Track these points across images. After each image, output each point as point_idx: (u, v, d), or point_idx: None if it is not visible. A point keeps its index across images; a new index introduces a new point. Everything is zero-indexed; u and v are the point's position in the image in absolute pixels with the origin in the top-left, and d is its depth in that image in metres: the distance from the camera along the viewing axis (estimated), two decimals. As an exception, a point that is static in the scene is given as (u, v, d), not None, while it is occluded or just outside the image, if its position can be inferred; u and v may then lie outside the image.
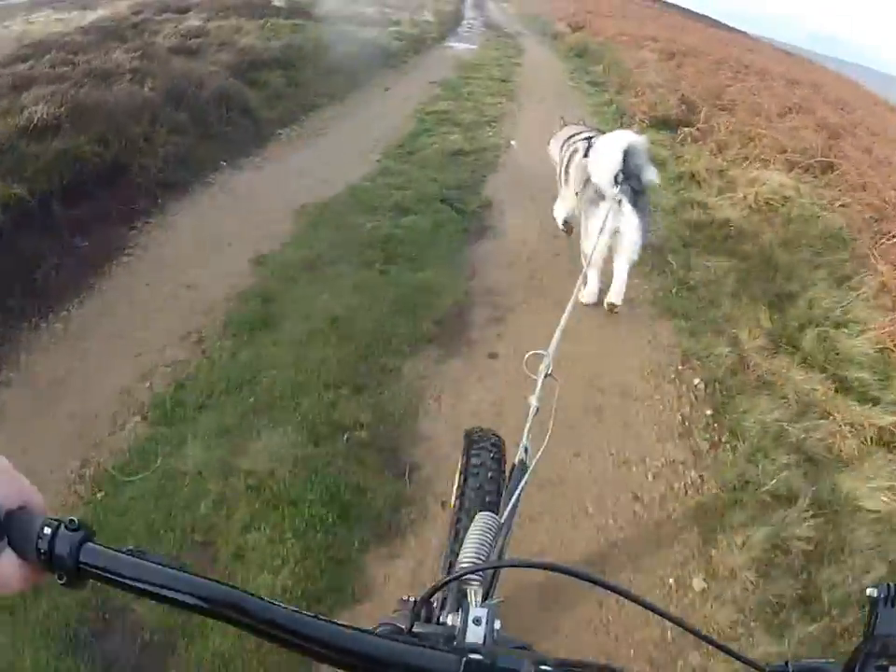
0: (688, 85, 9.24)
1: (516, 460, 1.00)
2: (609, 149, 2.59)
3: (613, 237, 2.71)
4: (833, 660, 0.45)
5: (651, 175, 2.68)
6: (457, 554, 0.74)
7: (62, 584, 0.42)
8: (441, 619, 0.61)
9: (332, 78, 7.46)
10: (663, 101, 7.47)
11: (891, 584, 0.43)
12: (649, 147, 2.77)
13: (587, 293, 3.00)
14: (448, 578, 0.55)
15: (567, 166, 3.18)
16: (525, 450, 1.00)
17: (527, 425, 1.04)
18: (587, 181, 2.78)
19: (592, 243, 2.59)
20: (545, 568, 0.50)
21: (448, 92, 7.56)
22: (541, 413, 1.07)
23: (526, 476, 0.93)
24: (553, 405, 1.04)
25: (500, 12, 28.46)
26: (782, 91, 11.30)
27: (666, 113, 6.75)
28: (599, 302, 3.04)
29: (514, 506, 0.86)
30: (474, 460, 1.15)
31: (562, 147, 3.30)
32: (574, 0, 30.65)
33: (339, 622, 0.42)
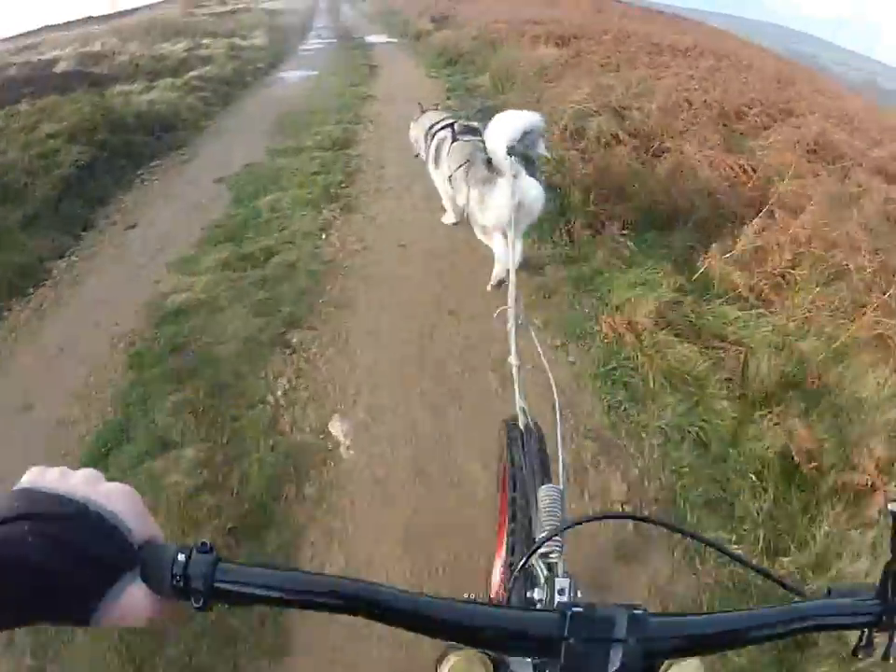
0: (621, 96, 6.11)
1: (521, 426, 0.98)
2: (507, 124, 2.58)
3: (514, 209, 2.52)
4: (868, 582, 0.46)
5: (541, 149, 2.79)
6: (522, 533, 0.81)
7: (196, 608, 0.41)
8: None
9: (29, 229, 3.83)
10: (609, 148, 4.22)
11: None
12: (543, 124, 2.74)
13: (495, 274, 2.94)
14: (541, 541, 0.60)
15: (438, 155, 3.14)
16: (524, 411, 0.99)
17: (516, 386, 1.01)
18: (468, 162, 2.82)
19: (493, 214, 2.66)
20: (624, 518, 0.70)
21: (236, 212, 4.03)
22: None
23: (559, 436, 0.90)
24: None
25: (357, 13, 24.74)
26: (736, 82, 8.38)
27: (640, 195, 3.45)
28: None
29: (564, 468, 0.87)
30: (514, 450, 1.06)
31: (426, 136, 3.27)
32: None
33: (456, 598, 0.45)
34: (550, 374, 1.00)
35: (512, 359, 1.08)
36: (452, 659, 0.45)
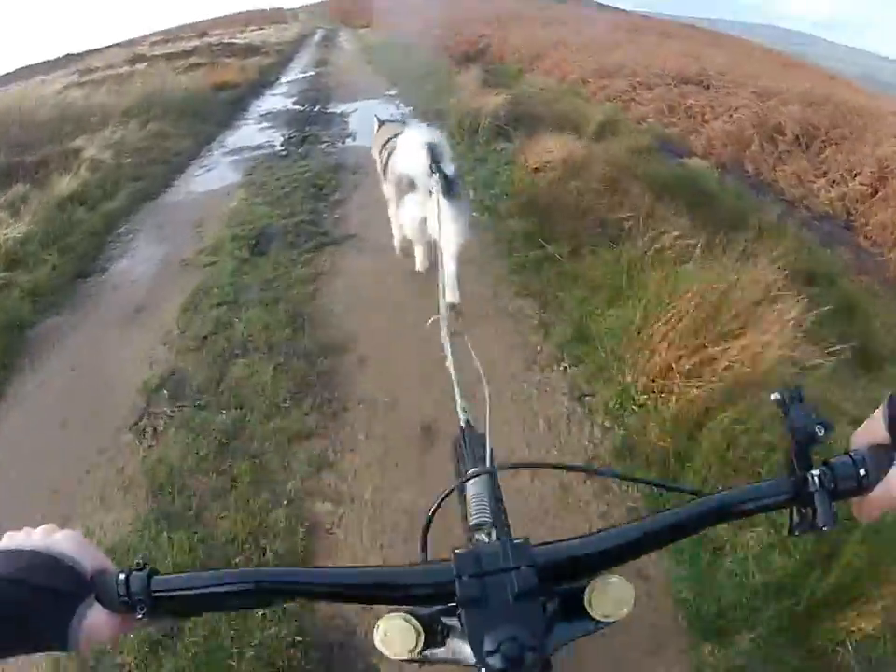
0: None
1: (461, 423, 1.03)
2: (416, 143, 2.69)
3: (432, 230, 2.73)
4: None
5: (449, 170, 2.71)
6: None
7: (141, 617, 0.46)
8: None
9: None
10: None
11: (790, 390, 0.49)
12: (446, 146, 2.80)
13: (419, 262, 3.30)
14: (445, 492, 0.59)
15: (386, 166, 3.19)
16: (464, 409, 1.04)
17: (455, 388, 1.07)
18: (399, 175, 2.89)
19: (409, 227, 2.94)
20: (532, 467, 0.66)
21: None
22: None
23: (488, 441, 0.88)
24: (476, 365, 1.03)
25: (354, 46, 18.24)
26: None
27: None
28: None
29: (491, 458, 0.87)
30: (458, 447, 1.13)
31: (380, 152, 3.31)
32: (450, 1, 19.68)
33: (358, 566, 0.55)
34: (481, 371, 1.02)
35: (449, 364, 1.12)
36: (379, 625, 0.47)
